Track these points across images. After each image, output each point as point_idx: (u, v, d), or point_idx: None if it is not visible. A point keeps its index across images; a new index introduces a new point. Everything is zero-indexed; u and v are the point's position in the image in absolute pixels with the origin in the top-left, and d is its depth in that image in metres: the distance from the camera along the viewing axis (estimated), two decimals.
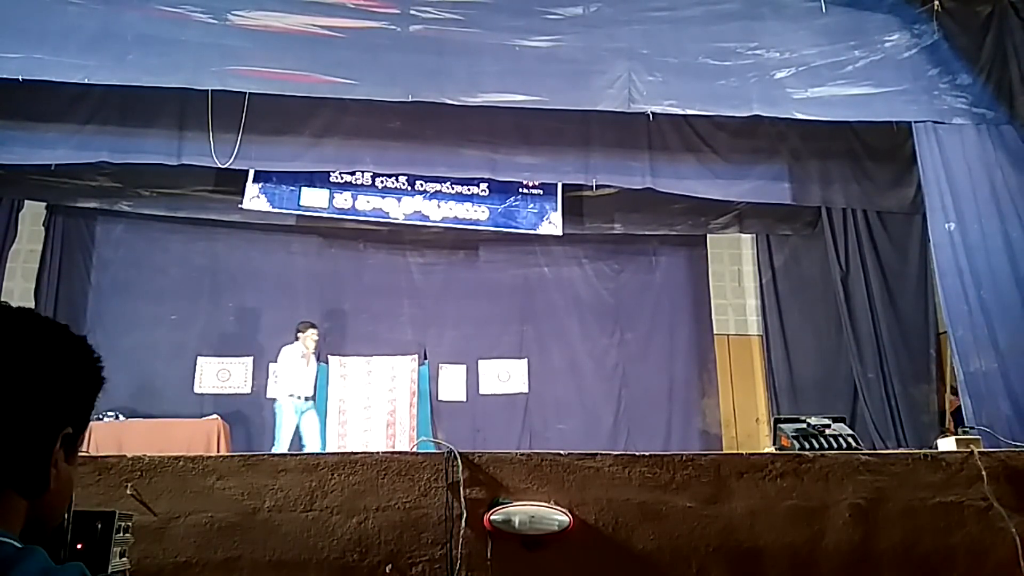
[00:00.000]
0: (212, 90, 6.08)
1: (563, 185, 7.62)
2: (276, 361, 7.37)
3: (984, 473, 3.40)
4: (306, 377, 7.14)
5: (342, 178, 7.50)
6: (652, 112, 6.21)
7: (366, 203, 7.57)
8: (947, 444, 3.95)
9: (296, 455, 3.31)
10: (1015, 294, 5.72)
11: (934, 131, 6.20)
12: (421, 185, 7.59)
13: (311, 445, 6.89)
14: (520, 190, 7.71)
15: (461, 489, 3.13)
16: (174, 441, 6.31)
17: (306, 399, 7.07)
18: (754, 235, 8.83)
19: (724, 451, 7.62)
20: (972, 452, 3.52)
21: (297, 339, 7.18)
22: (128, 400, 6.89)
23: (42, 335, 0.95)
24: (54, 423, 0.92)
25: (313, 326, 7.24)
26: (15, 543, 0.84)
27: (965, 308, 5.77)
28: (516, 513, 3.09)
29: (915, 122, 6.26)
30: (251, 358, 7.93)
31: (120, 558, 2.34)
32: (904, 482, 3.40)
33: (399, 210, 7.59)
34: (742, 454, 3.80)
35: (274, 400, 7.31)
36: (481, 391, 8.20)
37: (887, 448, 6.60)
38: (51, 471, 0.91)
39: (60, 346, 0.96)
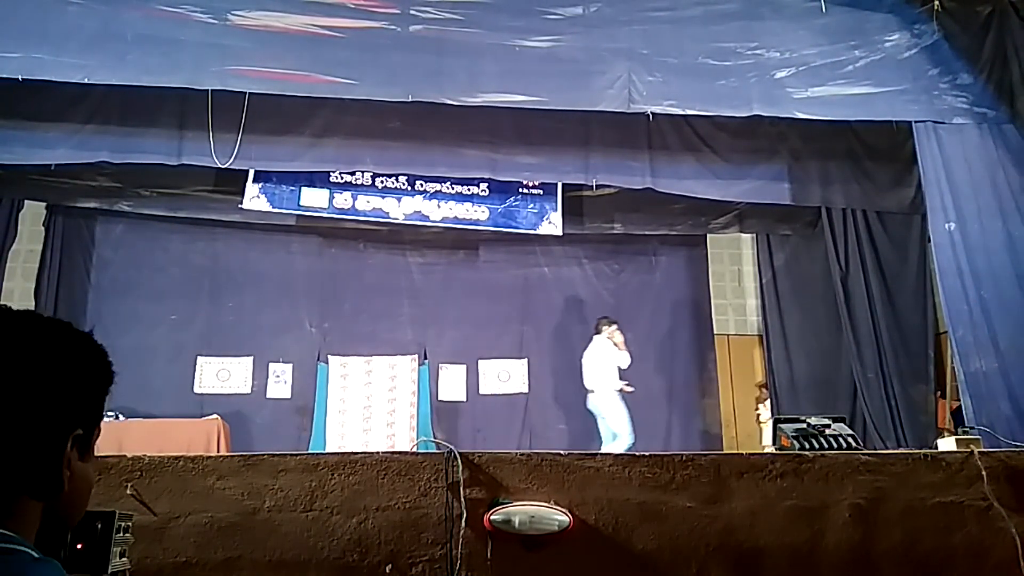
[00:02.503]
0: (212, 90, 6.07)
1: (563, 185, 7.62)
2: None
3: (984, 473, 3.40)
4: (620, 369, 7.39)
5: (342, 178, 7.50)
6: (652, 112, 6.20)
7: (366, 203, 7.56)
8: (947, 444, 3.95)
9: (296, 455, 3.30)
10: (1016, 294, 5.71)
11: (934, 131, 6.19)
12: (421, 185, 7.59)
13: (624, 433, 7.09)
14: (520, 190, 7.70)
15: (461, 489, 3.13)
16: (174, 441, 6.30)
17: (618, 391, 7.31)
18: (754, 235, 8.82)
19: (724, 451, 7.62)
20: (972, 452, 3.52)
21: (600, 332, 7.41)
22: (128, 400, 6.88)
23: (47, 335, 0.94)
24: (64, 423, 0.91)
25: (615, 322, 7.48)
26: (32, 552, 0.84)
27: (965, 308, 5.77)
28: (516, 513, 3.09)
29: (915, 122, 6.26)
30: (251, 358, 7.92)
31: (120, 558, 2.34)
32: (904, 482, 3.40)
33: (399, 210, 7.59)
34: (742, 454, 3.80)
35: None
36: (481, 391, 8.19)
37: (887, 448, 6.60)
38: (64, 472, 0.91)
39: (66, 345, 0.95)
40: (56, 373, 0.92)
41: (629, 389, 7.34)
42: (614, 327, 7.45)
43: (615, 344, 7.39)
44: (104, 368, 0.99)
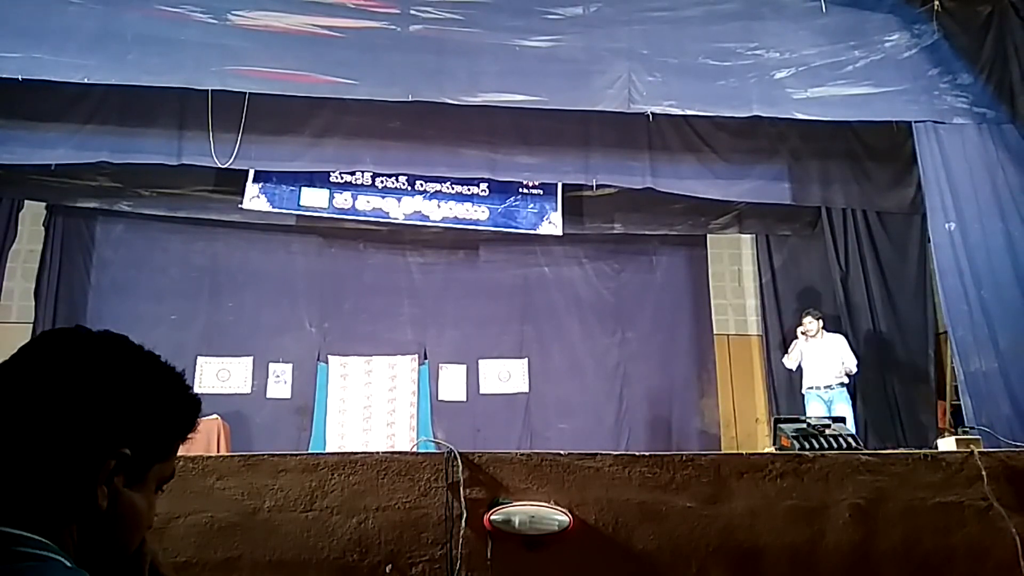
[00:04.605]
0: (212, 90, 6.08)
1: (563, 185, 7.63)
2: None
3: (984, 473, 3.40)
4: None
5: (342, 178, 7.50)
6: (652, 112, 6.21)
7: (366, 203, 7.57)
8: (947, 444, 3.95)
9: (296, 455, 3.30)
10: (1016, 294, 5.72)
11: (934, 131, 6.20)
12: (421, 185, 7.60)
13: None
14: (520, 190, 7.71)
15: (461, 489, 3.13)
16: None
17: (826, 387, 7.09)
18: (754, 235, 8.83)
19: (724, 451, 7.62)
20: (972, 452, 3.52)
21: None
22: None
23: (104, 355, 0.93)
24: (101, 441, 0.89)
25: (809, 312, 7.28)
26: (65, 561, 0.83)
27: (965, 308, 5.78)
28: (516, 513, 3.09)
29: (915, 122, 6.27)
30: (251, 358, 7.92)
31: None
32: (904, 482, 3.40)
33: (399, 210, 7.59)
34: (742, 454, 3.79)
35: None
36: (481, 391, 8.19)
37: (887, 448, 6.60)
38: (99, 490, 0.87)
39: (123, 367, 0.94)
40: (98, 389, 0.90)
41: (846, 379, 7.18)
42: (808, 318, 7.27)
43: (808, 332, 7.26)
44: (176, 403, 1.00)
